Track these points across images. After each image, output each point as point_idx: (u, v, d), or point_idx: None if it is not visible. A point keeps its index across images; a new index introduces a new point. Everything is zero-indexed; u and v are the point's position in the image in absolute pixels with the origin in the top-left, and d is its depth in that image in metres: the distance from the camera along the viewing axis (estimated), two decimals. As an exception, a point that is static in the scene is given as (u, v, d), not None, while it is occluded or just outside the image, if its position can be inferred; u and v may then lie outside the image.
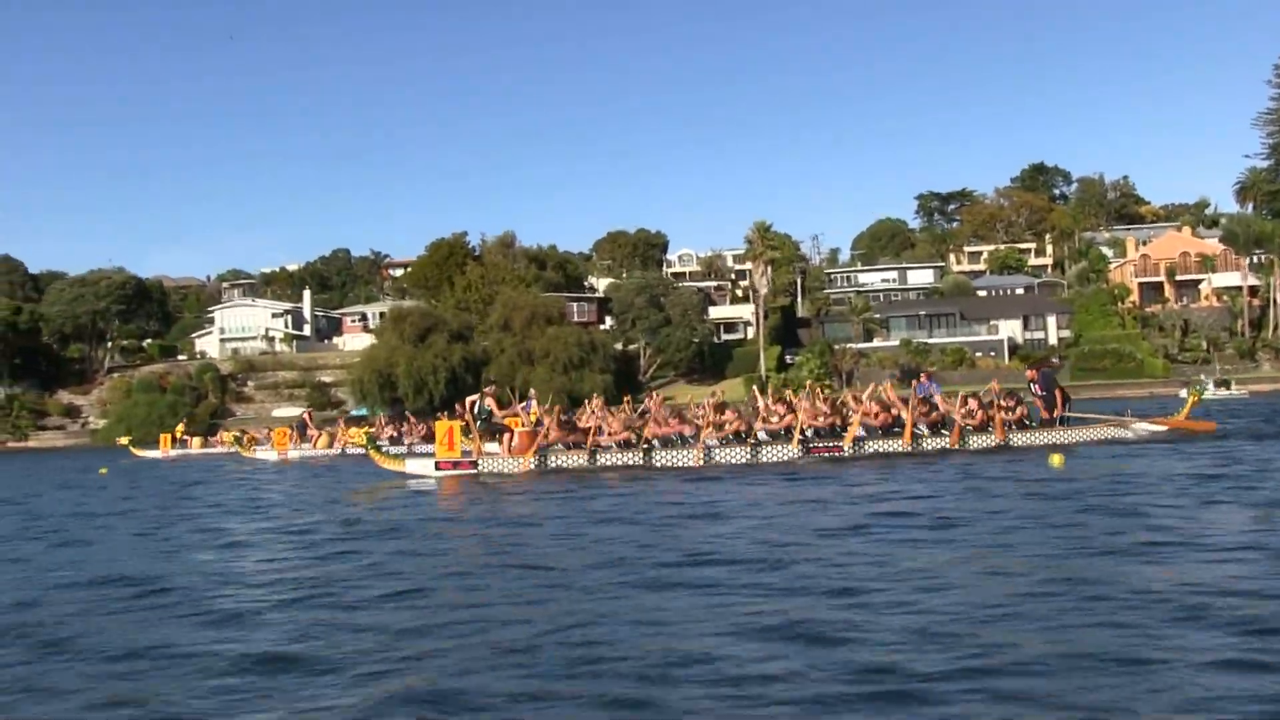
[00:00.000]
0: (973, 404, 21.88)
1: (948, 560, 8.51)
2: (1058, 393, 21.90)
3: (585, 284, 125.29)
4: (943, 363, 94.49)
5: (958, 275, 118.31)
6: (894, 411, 21.69)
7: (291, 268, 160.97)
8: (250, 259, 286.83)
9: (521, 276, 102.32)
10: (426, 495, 17.90)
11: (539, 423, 24.05)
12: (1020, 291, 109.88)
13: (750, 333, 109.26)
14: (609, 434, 22.14)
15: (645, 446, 21.50)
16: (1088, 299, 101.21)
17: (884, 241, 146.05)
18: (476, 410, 23.00)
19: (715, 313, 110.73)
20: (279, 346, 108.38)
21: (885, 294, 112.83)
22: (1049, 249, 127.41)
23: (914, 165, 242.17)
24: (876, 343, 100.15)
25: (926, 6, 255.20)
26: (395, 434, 35.45)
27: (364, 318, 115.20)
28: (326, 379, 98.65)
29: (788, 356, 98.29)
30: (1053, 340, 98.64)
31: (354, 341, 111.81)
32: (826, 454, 20.83)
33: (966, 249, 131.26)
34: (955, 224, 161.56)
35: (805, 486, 15.76)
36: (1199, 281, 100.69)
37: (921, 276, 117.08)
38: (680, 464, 21.02)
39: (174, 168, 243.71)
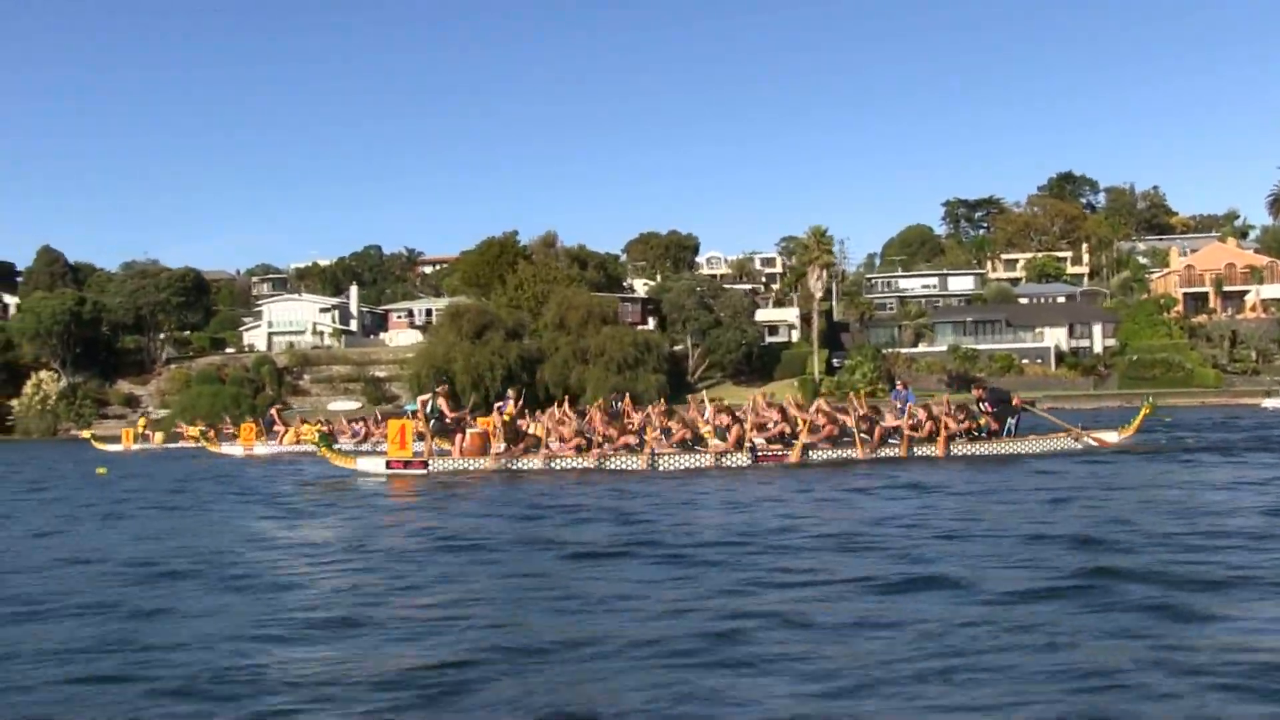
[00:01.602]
0: (920, 415, 22.52)
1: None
2: (1005, 408, 22.78)
3: (624, 285, 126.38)
4: (990, 369, 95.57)
5: (1000, 282, 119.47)
6: (841, 421, 22.18)
7: (324, 263, 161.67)
8: (277, 254, 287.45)
9: (571, 276, 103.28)
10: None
11: (513, 421, 24.33)
12: (1062, 300, 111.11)
13: (794, 335, 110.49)
14: (560, 441, 22.44)
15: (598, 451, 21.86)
16: (1134, 308, 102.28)
17: (914, 248, 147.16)
18: (429, 410, 23.07)
19: (758, 315, 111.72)
20: (328, 341, 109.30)
21: (926, 300, 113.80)
22: (1085, 258, 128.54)
23: (938, 172, 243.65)
24: (923, 348, 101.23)
25: (950, 13, 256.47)
26: (364, 433, 35.37)
27: (410, 314, 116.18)
28: (380, 374, 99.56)
29: (834, 360, 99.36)
30: (1098, 348, 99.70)
31: (400, 337, 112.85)
32: (774, 462, 21.19)
33: (1003, 256, 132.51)
34: (983, 231, 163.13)
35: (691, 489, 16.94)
36: (1244, 292, 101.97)
37: (961, 283, 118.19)
38: (628, 468, 21.29)
39: (201, 161, 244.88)
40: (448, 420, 23.10)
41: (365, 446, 31.82)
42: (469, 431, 23.02)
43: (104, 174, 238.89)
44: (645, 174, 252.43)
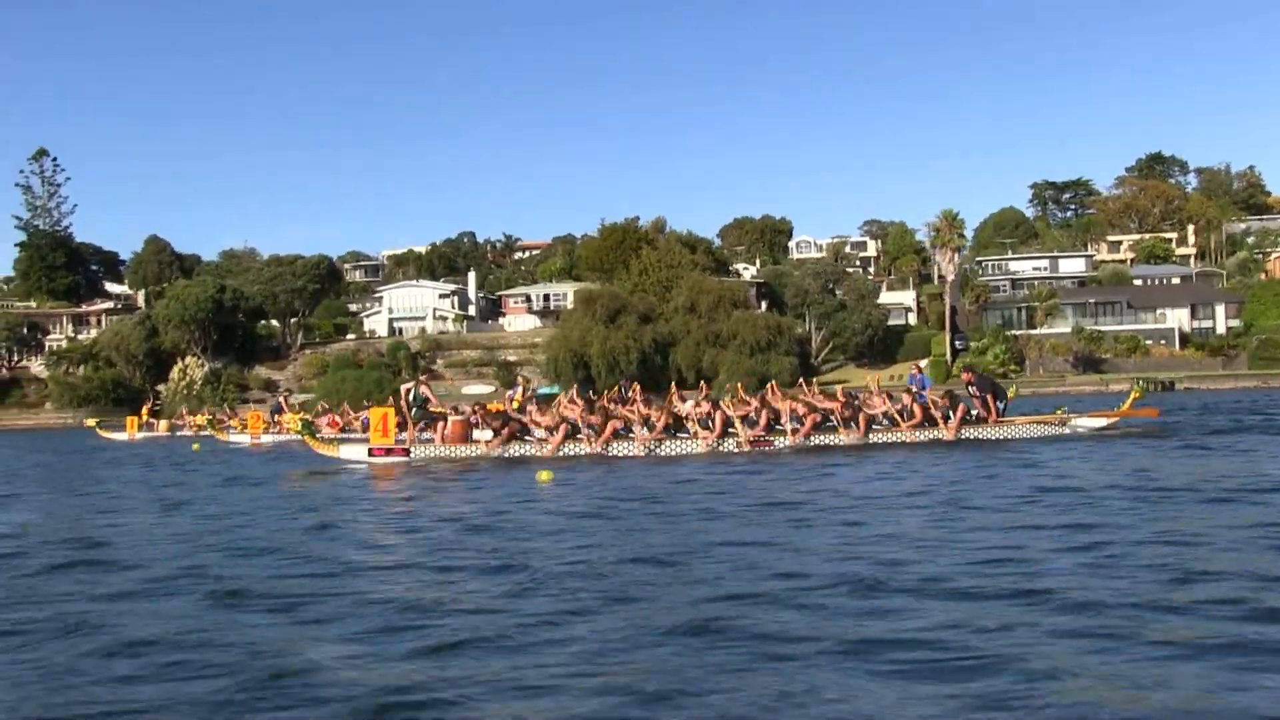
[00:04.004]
0: (906, 400, 22.98)
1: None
2: (990, 395, 23.11)
3: (730, 269, 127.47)
4: (1116, 350, 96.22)
5: (1114, 264, 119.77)
6: (824, 408, 22.57)
7: (419, 249, 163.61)
8: (362, 241, 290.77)
9: (695, 261, 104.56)
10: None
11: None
12: (1177, 281, 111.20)
13: (909, 319, 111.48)
14: (548, 430, 22.60)
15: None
16: (1257, 289, 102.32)
17: (1008, 230, 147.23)
18: (412, 398, 23.36)
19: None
20: (450, 326, 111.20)
21: (1038, 282, 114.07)
22: (1191, 239, 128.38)
23: (1020, 154, 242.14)
24: (1042, 330, 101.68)
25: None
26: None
27: (528, 299, 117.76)
28: (512, 358, 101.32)
29: (957, 342, 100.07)
30: (1220, 329, 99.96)
31: (517, 322, 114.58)
32: (760, 448, 21.54)
33: (1108, 239, 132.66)
34: (1071, 213, 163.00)
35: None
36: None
37: (1072, 265, 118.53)
38: (627, 454, 21.63)
39: (284, 148, 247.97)
40: (430, 408, 23.56)
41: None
42: (451, 419, 23.29)
43: (195, 162, 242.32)
44: (729, 158, 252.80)
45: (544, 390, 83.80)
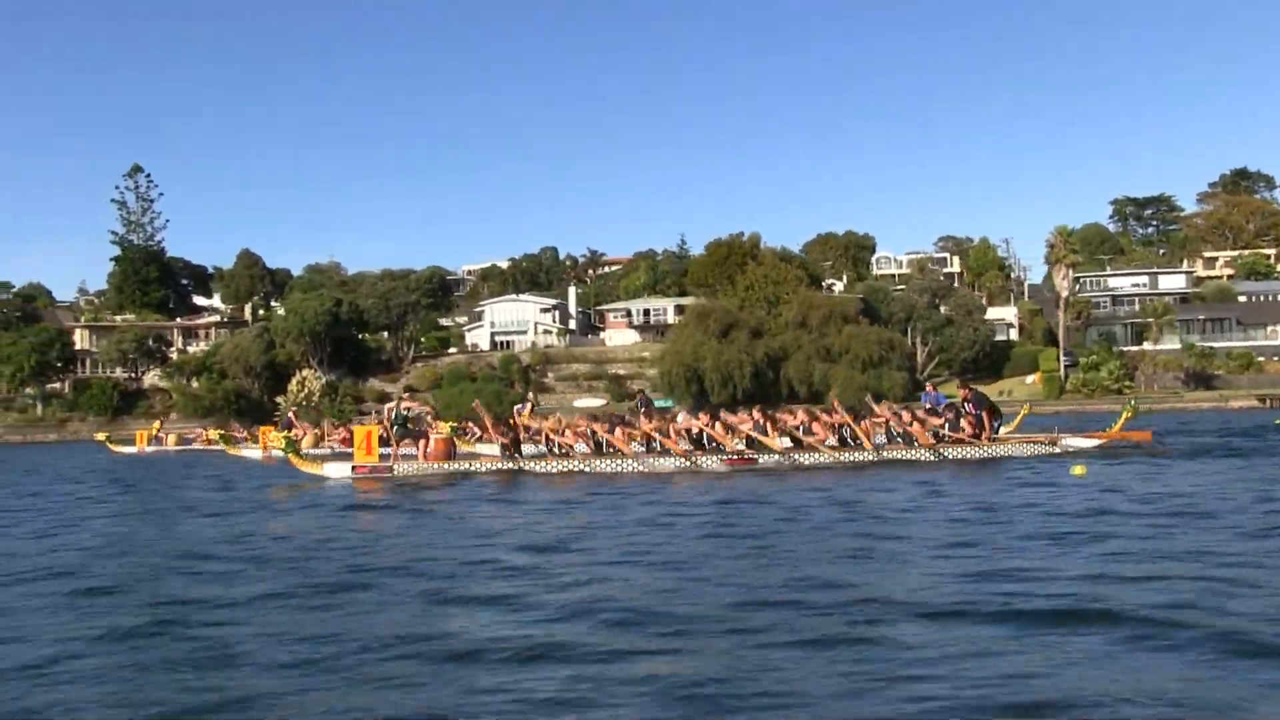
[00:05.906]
0: (906, 417, 23.07)
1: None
2: (986, 412, 23.05)
3: (823, 284, 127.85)
4: (1228, 367, 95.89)
5: (1221, 281, 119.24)
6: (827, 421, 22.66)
7: (501, 264, 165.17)
8: (437, 255, 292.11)
9: (799, 276, 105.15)
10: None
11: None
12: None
13: (1011, 334, 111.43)
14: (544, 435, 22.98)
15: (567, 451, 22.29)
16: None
17: (1094, 246, 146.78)
18: (394, 416, 23.98)
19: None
20: (554, 340, 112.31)
21: (1139, 299, 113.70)
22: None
23: (1098, 169, 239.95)
24: (1147, 346, 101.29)
25: (1108, 9, 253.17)
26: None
27: (628, 314, 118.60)
28: (620, 371, 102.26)
29: (1064, 359, 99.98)
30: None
31: (617, 336, 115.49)
32: (745, 466, 21.55)
33: (1204, 254, 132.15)
34: (1153, 229, 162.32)
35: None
36: None
37: (1171, 281, 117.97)
38: (613, 470, 21.54)
39: (367, 164, 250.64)
40: (411, 426, 24.09)
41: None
42: (433, 437, 23.68)
43: (276, 175, 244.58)
44: (805, 174, 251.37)
45: (659, 404, 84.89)
